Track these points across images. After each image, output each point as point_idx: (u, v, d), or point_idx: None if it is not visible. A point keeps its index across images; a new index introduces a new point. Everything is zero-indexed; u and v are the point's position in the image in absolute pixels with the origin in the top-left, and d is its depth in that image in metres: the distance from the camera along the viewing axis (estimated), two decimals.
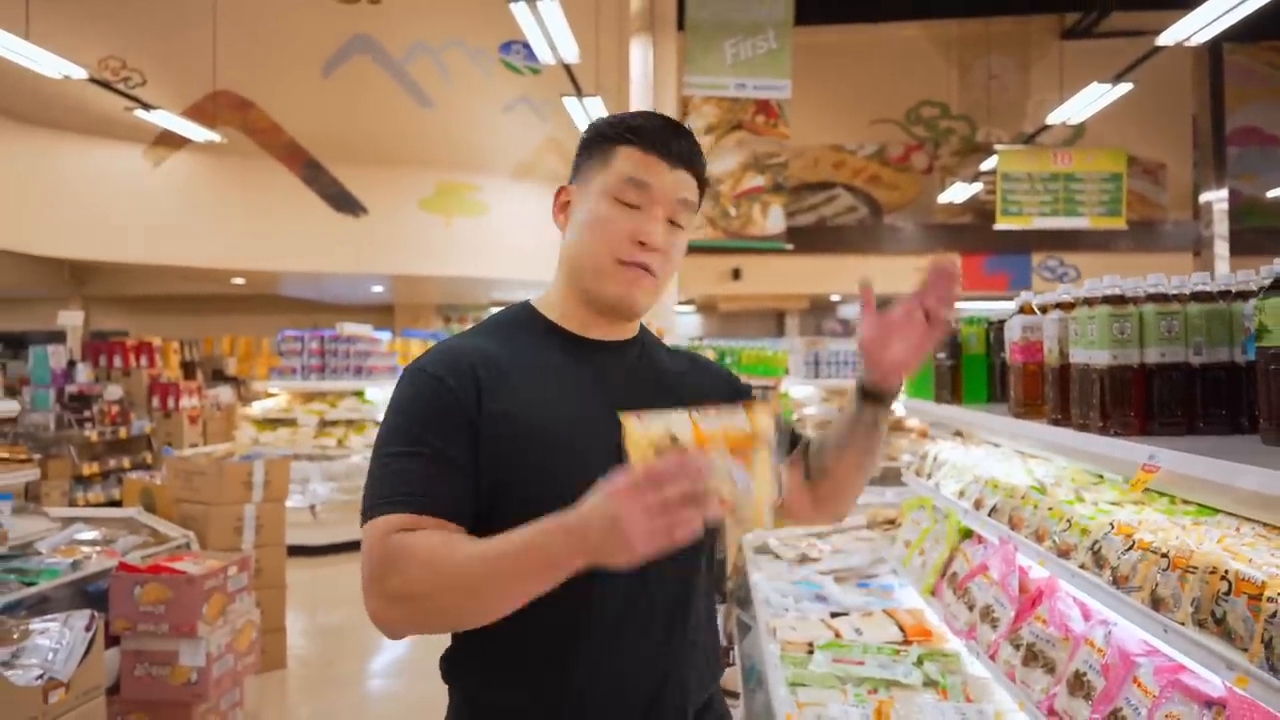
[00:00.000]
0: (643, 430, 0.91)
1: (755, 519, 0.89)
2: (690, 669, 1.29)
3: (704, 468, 0.87)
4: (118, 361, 8.74)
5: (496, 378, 1.22)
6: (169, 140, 10.76)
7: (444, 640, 1.28)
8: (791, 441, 1.46)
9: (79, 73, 6.65)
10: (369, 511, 1.13)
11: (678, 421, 0.91)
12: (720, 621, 2.90)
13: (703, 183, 1.34)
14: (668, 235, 1.27)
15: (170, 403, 8.70)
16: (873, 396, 1.32)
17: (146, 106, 8.03)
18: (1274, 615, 1.17)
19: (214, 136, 9.22)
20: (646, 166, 1.26)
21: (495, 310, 1.41)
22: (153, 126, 9.46)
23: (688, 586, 1.30)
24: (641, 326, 1.43)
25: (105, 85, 7.56)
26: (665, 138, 1.27)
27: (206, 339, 14.05)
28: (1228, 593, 1.30)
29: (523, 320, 1.33)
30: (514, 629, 1.11)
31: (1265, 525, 1.56)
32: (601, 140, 1.30)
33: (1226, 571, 1.32)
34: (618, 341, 1.34)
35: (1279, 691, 1.13)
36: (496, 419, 1.19)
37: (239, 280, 13.39)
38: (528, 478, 1.18)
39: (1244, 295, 1.72)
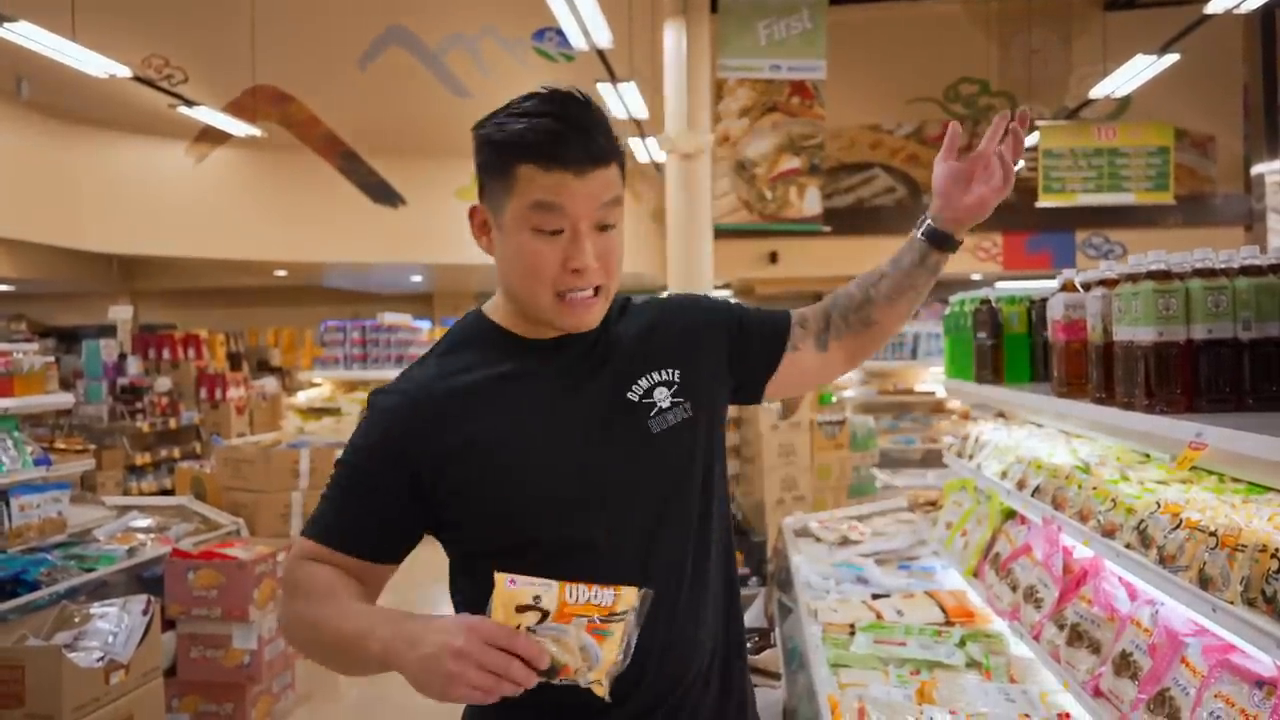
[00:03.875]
0: (511, 590, 0.97)
1: (596, 686, 0.97)
2: (690, 662, 1.24)
3: (542, 653, 0.95)
4: (166, 354, 8.94)
5: (459, 406, 1.20)
6: (211, 136, 10.94)
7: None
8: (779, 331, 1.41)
9: (123, 71, 6.79)
10: (306, 526, 1.25)
11: (547, 592, 0.97)
12: (761, 604, 2.91)
13: (620, 161, 1.21)
14: (600, 244, 1.18)
15: (217, 393, 8.89)
16: (939, 240, 1.34)
17: (189, 103, 8.17)
18: None
19: (254, 131, 9.36)
20: (553, 186, 1.13)
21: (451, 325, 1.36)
22: (195, 123, 9.62)
23: (691, 577, 1.26)
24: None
25: (149, 83, 7.70)
26: (561, 145, 1.12)
27: (251, 331, 14.29)
28: (1278, 571, 1.28)
29: (478, 333, 1.28)
30: None
31: None
32: (495, 156, 1.16)
33: (1277, 549, 1.30)
34: (575, 335, 1.25)
35: None
36: (461, 448, 1.18)
37: (281, 272, 13.60)
38: (495, 496, 1.18)
39: None
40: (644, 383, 1.26)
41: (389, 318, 8.83)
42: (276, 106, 11.13)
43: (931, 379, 8.30)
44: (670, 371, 1.27)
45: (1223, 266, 1.76)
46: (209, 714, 3.61)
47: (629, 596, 1.01)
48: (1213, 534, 1.46)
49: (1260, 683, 1.32)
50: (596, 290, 1.19)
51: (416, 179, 12.16)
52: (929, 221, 1.36)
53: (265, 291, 15.54)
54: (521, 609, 0.98)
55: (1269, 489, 1.68)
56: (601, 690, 0.97)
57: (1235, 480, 1.79)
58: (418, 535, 1.24)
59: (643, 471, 1.23)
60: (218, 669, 3.59)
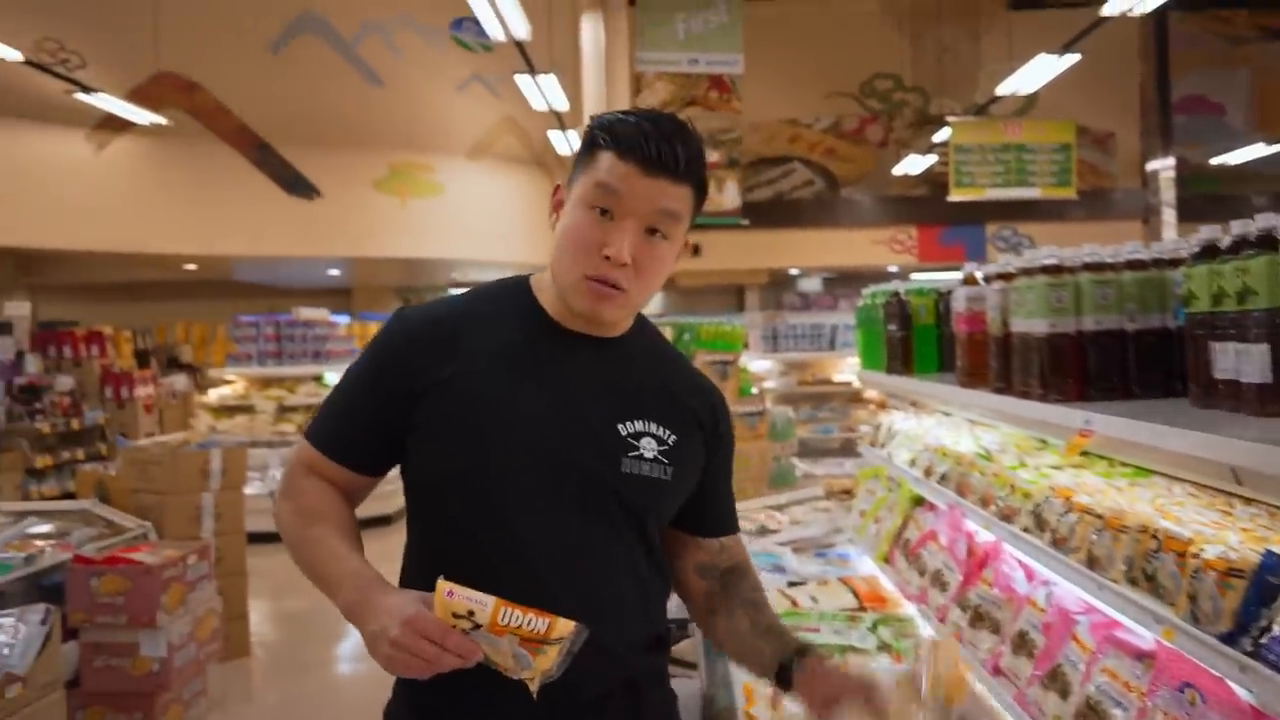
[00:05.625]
0: (449, 600, 1.04)
1: (529, 682, 1.08)
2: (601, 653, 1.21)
3: (474, 650, 1.05)
4: (68, 352, 8.58)
5: (466, 346, 1.26)
6: (112, 124, 10.48)
7: None
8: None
9: (14, 55, 6.47)
10: (308, 428, 1.34)
11: (481, 610, 1.04)
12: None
13: (700, 192, 1.27)
14: (643, 247, 1.21)
15: (124, 392, 8.57)
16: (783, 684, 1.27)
17: (87, 89, 7.83)
18: (1198, 571, 1.23)
19: (159, 119, 9.02)
20: (620, 173, 1.20)
21: (498, 279, 1.40)
22: (95, 110, 9.22)
23: (616, 574, 1.27)
24: (645, 325, 1.40)
25: (43, 68, 7.36)
26: (643, 142, 1.19)
27: (159, 327, 13.81)
28: (1157, 550, 1.35)
29: (514, 296, 1.33)
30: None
31: (1195, 485, 1.62)
32: (588, 137, 1.26)
33: (1156, 530, 1.37)
34: (598, 337, 1.30)
35: (1202, 643, 1.18)
36: (445, 383, 1.23)
37: (191, 266, 13.14)
38: (454, 440, 1.23)
39: (1175, 263, 1.78)
40: (639, 425, 1.27)
41: (305, 312, 8.63)
42: (183, 94, 10.74)
43: (849, 369, 8.48)
44: (667, 433, 1.29)
45: (1110, 261, 1.84)
46: None
47: (564, 628, 1.06)
48: (1099, 517, 1.53)
49: (1141, 656, 1.40)
50: (620, 289, 1.22)
51: (332, 170, 11.88)
52: (789, 671, 1.26)
53: (174, 286, 15.00)
54: (457, 617, 1.04)
55: (1154, 473, 1.77)
56: (533, 687, 1.08)
57: (1124, 465, 1.88)
58: (399, 451, 1.29)
59: (596, 497, 1.24)
60: (125, 678, 3.47)
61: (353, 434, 1.30)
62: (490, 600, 1.05)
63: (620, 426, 1.26)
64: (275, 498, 1.33)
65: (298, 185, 11.80)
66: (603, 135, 1.22)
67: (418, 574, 1.22)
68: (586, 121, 1.29)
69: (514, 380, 1.24)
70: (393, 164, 12.21)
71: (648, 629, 1.32)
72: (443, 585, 1.05)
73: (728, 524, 1.44)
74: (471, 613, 1.04)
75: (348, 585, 1.15)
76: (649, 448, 1.26)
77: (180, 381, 10.20)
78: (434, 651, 1.04)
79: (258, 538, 6.18)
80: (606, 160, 1.21)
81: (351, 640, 5.08)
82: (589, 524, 1.24)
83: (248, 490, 4.98)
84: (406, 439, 1.26)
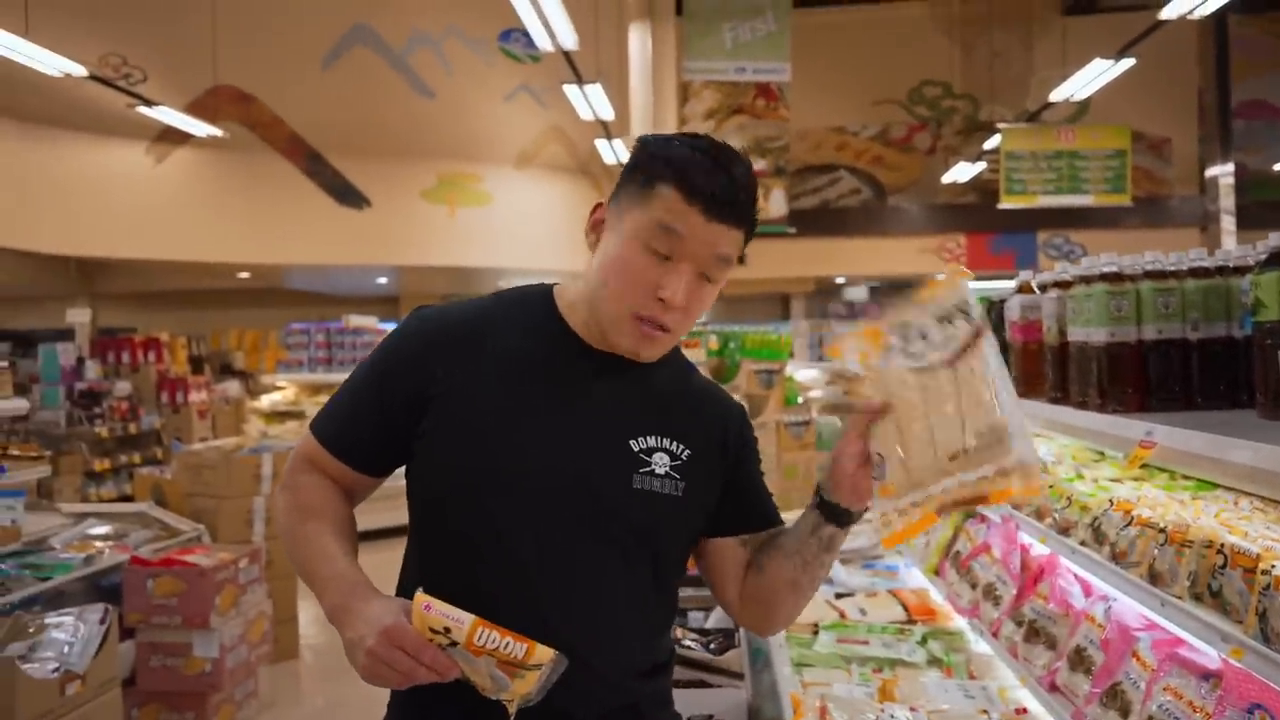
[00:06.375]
0: (425, 614, 1.03)
1: (508, 704, 1.07)
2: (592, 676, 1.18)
3: (451, 666, 1.04)
4: (126, 358, 8.80)
5: (482, 353, 1.22)
6: (171, 136, 10.76)
7: None
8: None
9: (79, 70, 6.66)
10: (315, 421, 1.31)
11: (458, 628, 1.02)
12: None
13: (750, 234, 1.22)
14: (694, 290, 1.18)
15: (179, 398, 8.76)
16: (834, 515, 1.19)
17: (148, 103, 8.04)
18: (1268, 587, 1.18)
19: (216, 131, 9.23)
20: (684, 215, 1.14)
21: (516, 286, 1.36)
22: (155, 123, 9.47)
23: (617, 600, 1.22)
24: (675, 349, 1.32)
25: (106, 83, 7.57)
26: (711, 185, 1.14)
27: (213, 334, 14.10)
28: (1224, 566, 1.31)
29: (535, 306, 1.29)
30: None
31: (1262, 499, 1.57)
32: (646, 167, 1.18)
33: (1222, 545, 1.33)
34: (623, 359, 1.24)
35: (1273, 662, 1.14)
36: (455, 390, 1.20)
37: (244, 274, 13.42)
38: (457, 449, 1.20)
39: (1241, 270, 1.73)
40: (652, 441, 1.23)
41: (354, 320, 8.76)
42: (238, 107, 10.99)
43: None
44: (681, 448, 1.25)
45: (1172, 269, 1.79)
46: None
47: (542, 654, 1.03)
48: (1162, 530, 1.49)
49: (1207, 675, 1.35)
50: (667, 330, 1.19)
51: (382, 180, 12.06)
52: (820, 493, 1.22)
53: (228, 294, 15.33)
54: (434, 632, 1.03)
55: (1217, 486, 1.72)
56: (511, 709, 1.07)
57: (1185, 478, 1.83)
58: (405, 454, 1.26)
59: (603, 518, 1.20)
60: (178, 678, 3.53)
61: (357, 431, 1.27)
62: (467, 620, 1.02)
63: (633, 443, 1.22)
64: (276, 490, 1.33)
65: (348, 195, 12.00)
66: (666, 169, 1.16)
67: (413, 584, 1.16)
68: (635, 136, 1.26)
69: (526, 393, 1.21)
70: (441, 174, 12.36)
71: (649, 656, 1.28)
72: (420, 599, 1.03)
73: (774, 514, 1.36)
74: (448, 629, 1.02)
75: (332, 588, 1.15)
76: (661, 463, 1.22)
77: (233, 387, 10.40)
78: (409, 664, 1.03)
79: None
80: (669, 198, 1.15)
81: None
82: (594, 546, 1.20)
83: None
84: (412, 444, 1.23)
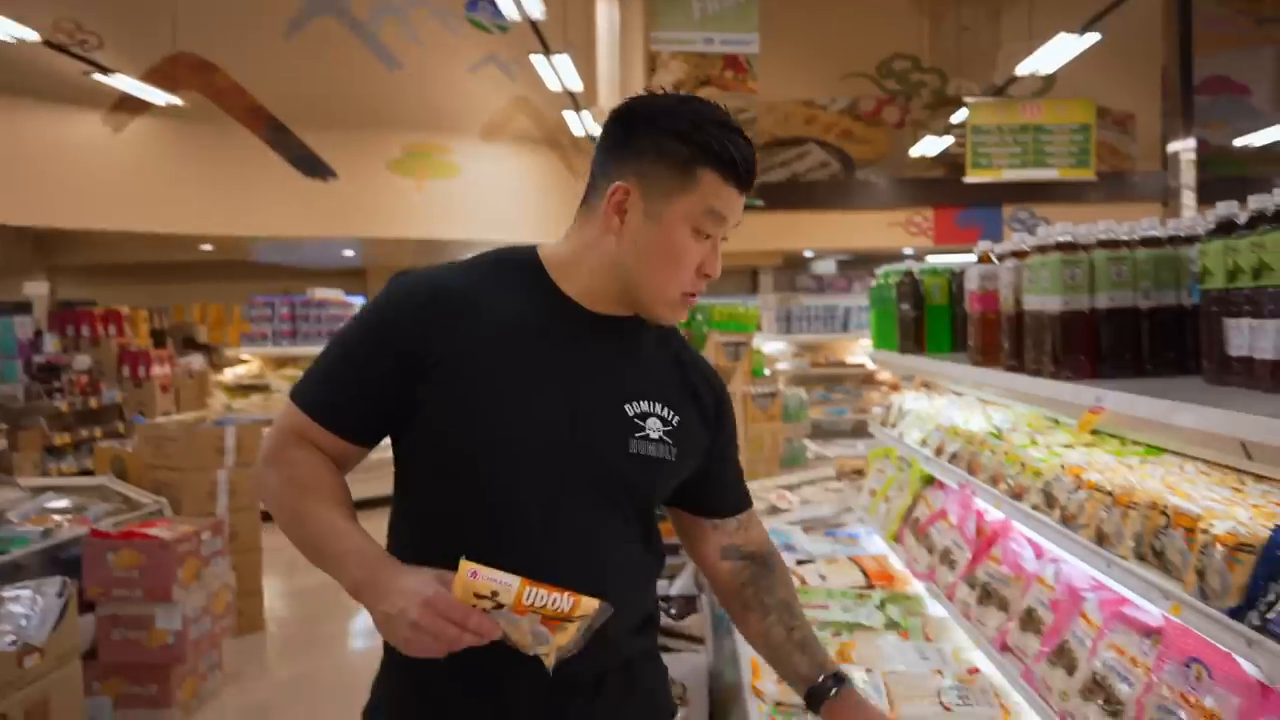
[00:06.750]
0: (472, 581, 1.04)
1: (545, 658, 1.07)
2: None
3: (494, 628, 1.05)
4: (86, 331, 8.65)
5: (476, 320, 1.22)
6: (129, 105, 10.50)
7: None
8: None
9: (32, 36, 6.48)
10: (295, 391, 1.28)
11: (506, 591, 1.04)
12: (690, 572, 2.95)
13: None
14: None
15: (141, 371, 8.63)
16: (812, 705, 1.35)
17: (104, 70, 7.84)
18: (1207, 546, 1.22)
19: (175, 100, 9.04)
20: (729, 200, 1.22)
21: (497, 249, 1.35)
22: (112, 91, 9.23)
23: (617, 559, 1.27)
24: None
25: (60, 49, 7.37)
26: (749, 171, 1.23)
27: (176, 307, 13.87)
28: (1166, 527, 1.34)
29: (524, 271, 1.29)
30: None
31: (1207, 463, 1.61)
32: (684, 152, 1.19)
33: (1166, 507, 1.36)
34: (615, 318, 1.28)
35: (1209, 618, 1.17)
36: (454, 359, 1.20)
37: (207, 247, 13.20)
38: (458, 419, 1.19)
39: (1191, 240, 1.76)
40: (645, 406, 1.27)
41: (320, 293, 8.67)
42: (198, 75, 10.74)
43: (862, 352, 8.45)
44: (671, 414, 1.29)
45: (1125, 238, 1.82)
46: (132, 696, 3.53)
47: (587, 605, 1.07)
48: (1109, 494, 1.52)
49: (1149, 632, 1.39)
50: (697, 295, 1.28)
51: (347, 152, 11.87)
52: (829, 687, 1.34)
53: (191, 267, 15.07)
54: (479, 597, 1.04)
55: (1165, 451, 1.76)
56: (549, 663, 1.07)
57: (1136, 443, 1.87)
58: (396, 421, 1.25)
59: (601, 480, 1.23)
60: (141, 650, 3.51)
61: (347, 400, 1.24)
62: (515, 581, 1.04)
63: (628, 407, 1.25)
64: (259, 463, 1.28)
65: (313, 166, 11.81)
66: (714, 157, 1.20)
67: (408, 551, 1.18)
68: (604, 108, 1.25)
69: (527, 359, 1.22)
70: (407, 145, 12.20)
71: (642, 611, 1.32)
72: (466, 566, 1.04)
73: (740, 501, 1.45)
74: (495, 593, 1.04)
75: (352, 563, 1.13)
76: (654, 428, 1.26)
77: (196, 361, 10.25)
78: (455, 633, 1.03)
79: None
80: (713, 182, 1.20)
81: (364, 616, 5.11)
82: (593, 507, 1.23)
83: None
84: (406, 413, 1.22)
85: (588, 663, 1.18)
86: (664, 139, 1.20)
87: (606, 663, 1.25)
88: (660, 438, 1.26)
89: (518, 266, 1.30)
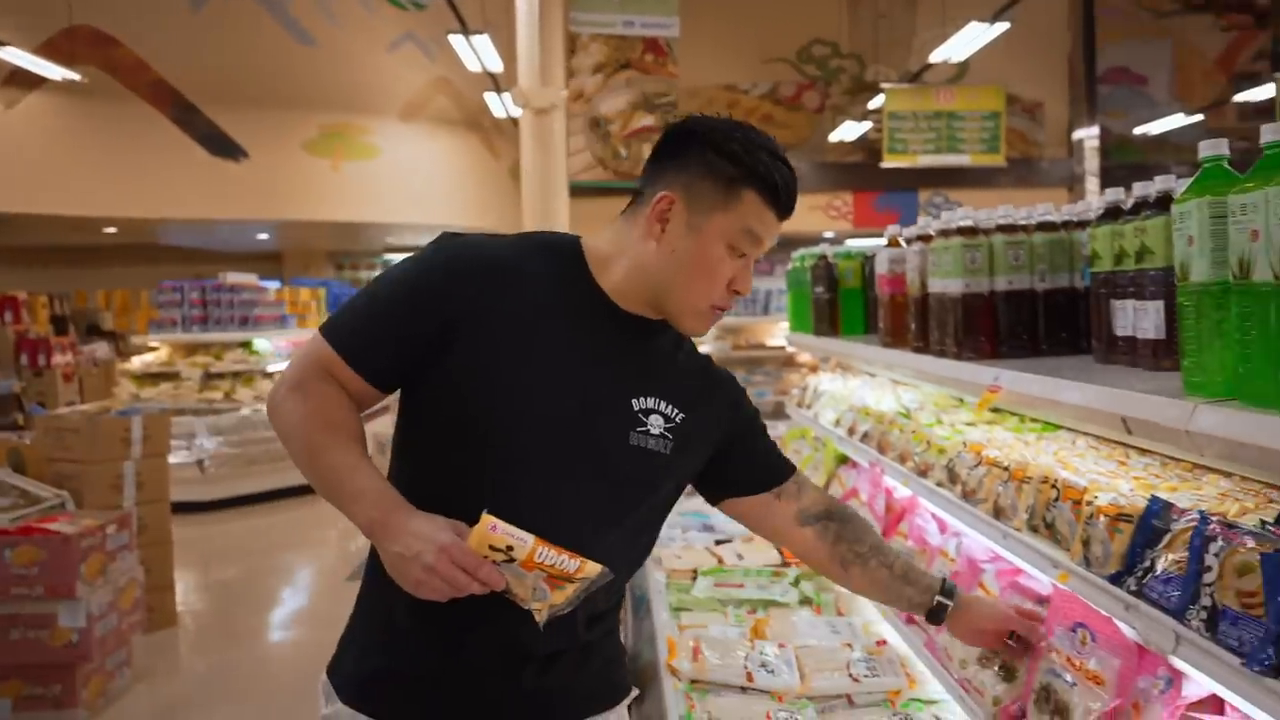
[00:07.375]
0: (491, 534, 1.09)
1: (536, 613, 1.13)
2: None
3: (500, 581, 1.10)
4: None
5: (514, 294, 1.26)
6: (22, 79, 9.99)
7: (342, 584, 1.29)
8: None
9: None
10: (327, 324, 1.30)
11: (521, 547, 1.10)
12: None
13: None
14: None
15: (40, 360, 8.27)
16: (934, 618, 1.47)
17: None
18: (1091, 517, 1.28)
19: (72, 75, 8.64)
20: (768, 224, 1.28)
21: (542, 231, 1.41)
22: (3, 64, 8.78)
23: (602, 546, 1.27)
24: None
25: None
26: (791, 195, 1.29)
27: (79, 292, 13.33)
28: (1056, 499, 1.41)
29: (565, 260, 1.33)
30: None
31: (1095, 437, 1.69)
32: (734, 172, 1.25)
33: (1055, 480, 1.42)
34: (637, 318, 1.32)
35: (1092, 584, 1.23)
36: (491, 329, 1.24)
37: (111, 229, 12.68)
38: (482, 392, 1.24)
39: (1083, 225, 1.83)
40: (650, 402, 1.31)
41: (232, 278, 8.41)
42: (97, 49, 10.29)
43: (782, 334, 8.57)
44: (675, 411, 1.32)
45: (1022, 223, 1.89)
46: (34, 698, 3.40)
47: (591, 569, 1.13)
48: (1005, 469, 1.58)
49: (1040, 600, 1.46)
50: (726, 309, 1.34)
51: (260, 131, 11.53)
52: (944, 604, 1.45)
53: (94, 250, 14.48)
54: (494, 549, 1.09)
55: (1060, 427, 1.84)
56: (540, 618, 1.13)
57: (1034, 420, 1.95)
58: (419, 375, 1.28)
59: (600, 467, 1.27)
60: (43, 650, 3.38)
61: (381, 348, 1.27)
62: (530, 539, 1.10)
63: (634, 402, 1.30)
64: (280, 387, 1.27)
65: (223, 146, 11.43)
66: (759, 180, 1.25)
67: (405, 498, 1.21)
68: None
69: (551, 339, 1.27)
70: (323, 125, 11.91)
71: (609, 603, 1.37)
72: (487, 519, 1.09)
73: (788, 464, 1.51)
74: (510, 548, 1.09)
75: (367, 501, 1.16)
76: (656, 424, 1.30)
77: (101, 349, 9.87)
78: (465, 580, 1.09)
79: (185, 507, 6.05)
80: (755, 204, 1.26)
81: (283, 608, 5.02)
82: (588, 492, 1.26)
83: (172, 459, 4.86)
84: (426, 369, 1.26)
85: (548, 641, 1.25)
86: (714, 157, 1.26)
87: (561, 644, 1.29)
88: (660, 434, 1.30)
89: (560, 253, 1.34)
